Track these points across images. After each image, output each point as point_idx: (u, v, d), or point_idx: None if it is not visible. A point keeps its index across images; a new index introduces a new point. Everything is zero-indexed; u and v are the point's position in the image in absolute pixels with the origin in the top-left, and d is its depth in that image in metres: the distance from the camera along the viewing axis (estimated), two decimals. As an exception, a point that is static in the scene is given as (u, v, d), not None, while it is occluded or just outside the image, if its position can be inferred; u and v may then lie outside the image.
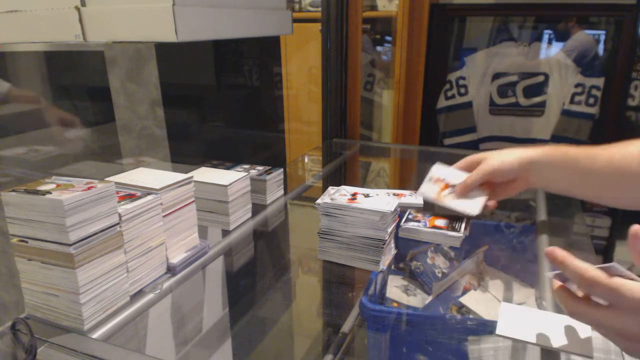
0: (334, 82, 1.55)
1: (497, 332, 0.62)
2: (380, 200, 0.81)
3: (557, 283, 0.53)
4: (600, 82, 1.91)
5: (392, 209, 0.78)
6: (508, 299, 0.91)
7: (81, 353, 0.58)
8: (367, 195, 0.84)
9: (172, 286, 0.74)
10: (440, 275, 0.92)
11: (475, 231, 0.99)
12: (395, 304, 0.90)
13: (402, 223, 0.96)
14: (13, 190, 0.59)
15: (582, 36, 1.96)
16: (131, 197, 0.69)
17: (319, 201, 0.82)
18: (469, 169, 0.89)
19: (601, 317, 0.47)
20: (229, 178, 0.92)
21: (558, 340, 0.59)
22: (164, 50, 1.78)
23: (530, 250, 0.96)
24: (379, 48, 2.24)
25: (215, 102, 2.26)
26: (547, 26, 2.01)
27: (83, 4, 0.64)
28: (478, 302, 0.90)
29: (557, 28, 1.99)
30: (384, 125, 2.23)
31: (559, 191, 0.82)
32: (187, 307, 0.91)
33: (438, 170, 0.94)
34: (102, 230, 0.61)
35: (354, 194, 0.84)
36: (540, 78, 2.02)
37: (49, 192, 0.58)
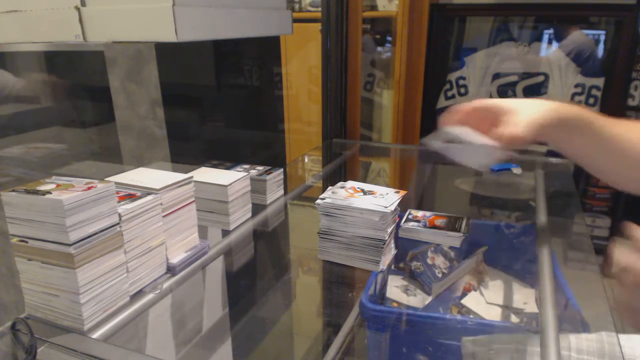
0: (334, 82, 1.55)
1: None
2: (380, 199, 0.81)
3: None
4: (600, 82, 1.91)
5: (392, 209, 0.78)
6: (508, 299, 0.91)
7: (81, 353, 0.58)
8: (369, 192, 0.83)
9: (172, 286, 0.74)
10: (440, 275, 0.92)
11: (475, 231, 0.99)
12: (395, 304, 0.90)
13: (402, 223, 0.96)
14: (13, 190, 0.59)
15: (581, 36, 1.96)
16: (131, 197, 0.68)
17: (319, 201, 0.82)
18: (479, 124, 0.74)
19: None
20: (229, 178, 0.92)
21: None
22: (164, 50, 1.78)
23: (530, 250, 0.95)
24: (379, 48, 2.24)
25: (215, 102, 2.26)
26: (547, 26, 2.01)
27: (83, 4, 0.64)
28: (478, 303, 0.90)
29: (557, 28, 1.99)
30: (384, 125, 2.23)
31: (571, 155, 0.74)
32: (187, 307, 0.91)
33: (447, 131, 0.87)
34: (102, 230, 0.61)
35: (358, 189, 0.84)
36: (540, 78, 2.03)
37: (49, 192, 0.58)
